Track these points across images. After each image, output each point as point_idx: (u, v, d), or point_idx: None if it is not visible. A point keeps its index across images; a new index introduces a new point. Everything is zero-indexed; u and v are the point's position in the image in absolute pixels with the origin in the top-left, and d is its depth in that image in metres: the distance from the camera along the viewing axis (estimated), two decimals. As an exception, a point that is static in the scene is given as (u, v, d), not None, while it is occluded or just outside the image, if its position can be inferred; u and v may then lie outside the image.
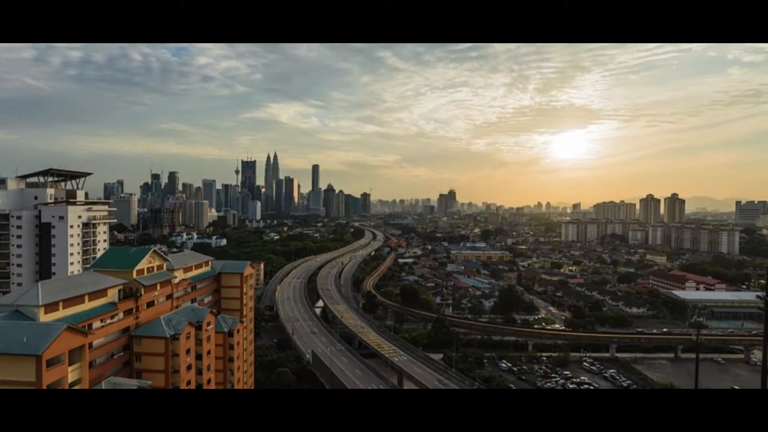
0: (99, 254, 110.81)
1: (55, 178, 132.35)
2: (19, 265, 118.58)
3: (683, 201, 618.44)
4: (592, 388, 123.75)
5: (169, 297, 77.72)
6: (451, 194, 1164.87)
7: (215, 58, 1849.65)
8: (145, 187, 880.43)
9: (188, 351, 72.05)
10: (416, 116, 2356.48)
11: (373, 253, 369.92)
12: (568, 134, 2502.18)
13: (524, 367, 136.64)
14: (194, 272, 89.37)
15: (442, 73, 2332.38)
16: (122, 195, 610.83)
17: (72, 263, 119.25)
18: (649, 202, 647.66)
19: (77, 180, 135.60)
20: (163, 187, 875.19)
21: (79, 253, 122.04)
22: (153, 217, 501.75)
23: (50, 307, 55.06)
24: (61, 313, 56.47)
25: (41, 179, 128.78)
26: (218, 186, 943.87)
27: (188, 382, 71.98)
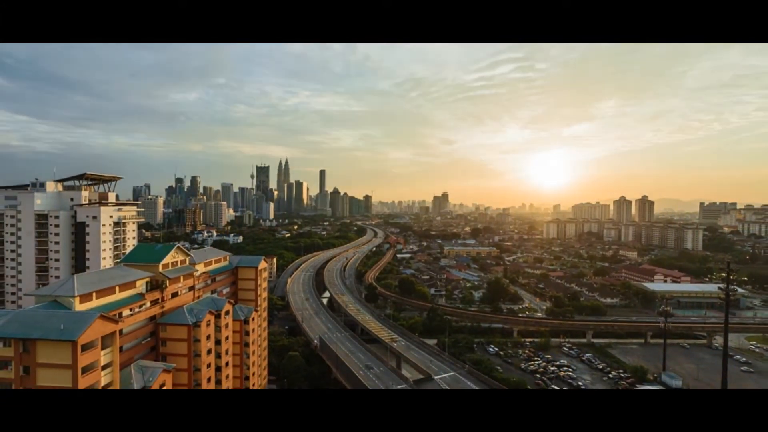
0: (128, 250, 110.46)
1: (89, 182, 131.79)
2: (56, 260, 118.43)
3: (652, 202, 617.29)
4: (575, 376, 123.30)
5: (192, 288, 77.49)
6: (444, 196, 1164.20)
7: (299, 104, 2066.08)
8: (170, 190, 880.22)
9: (208, 337, 71.83)
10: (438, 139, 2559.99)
11: (374, 249, 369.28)
12: (554, 152, 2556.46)
13: (510, 351, 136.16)
14: (214, 266, 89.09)
15: (458, 108, 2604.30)
16: (149, 197, 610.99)
17: (104, 258, 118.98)
18: (622, 203, 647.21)
19: (109, 183, 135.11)
20: (186, 189, 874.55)
21: (110, 249, 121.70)
22: (177, 216, 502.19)
23: (85, 297, 54.79)
24: (95, 302, 56.18)
25: (77, 183, 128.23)
26: (235, 189, 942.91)
27: (208, 365, 71.68)
